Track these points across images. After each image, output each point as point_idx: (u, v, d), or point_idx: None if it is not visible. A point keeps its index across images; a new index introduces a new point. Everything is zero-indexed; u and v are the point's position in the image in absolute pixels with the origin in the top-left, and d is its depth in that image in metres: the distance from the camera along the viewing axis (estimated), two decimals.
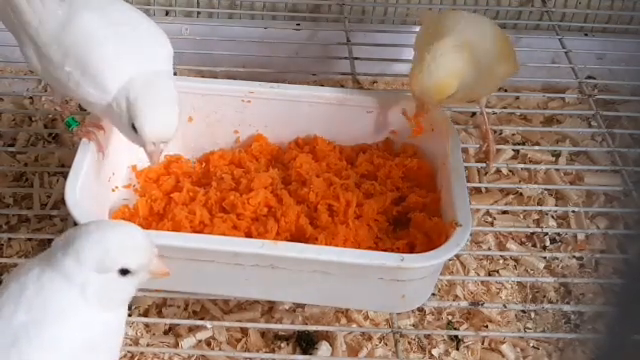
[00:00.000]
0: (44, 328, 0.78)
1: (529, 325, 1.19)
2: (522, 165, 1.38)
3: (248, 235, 1.10)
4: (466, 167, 1.21)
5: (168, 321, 1.12)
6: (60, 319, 0.79)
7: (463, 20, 1.18)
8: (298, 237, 1.10)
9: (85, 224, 0.84)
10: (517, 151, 1.42)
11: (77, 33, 1.04)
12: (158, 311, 1.15)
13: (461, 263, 1.25)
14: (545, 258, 1.26)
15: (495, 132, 1.45)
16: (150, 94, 1.02)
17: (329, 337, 1.13)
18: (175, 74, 1.19)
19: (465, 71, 1.10)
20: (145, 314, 1.15)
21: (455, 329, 1.17)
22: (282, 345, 1.13)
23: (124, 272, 0.81)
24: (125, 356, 1.11)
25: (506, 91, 1.53)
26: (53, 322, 0.79)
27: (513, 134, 1.46)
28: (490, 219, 1.32)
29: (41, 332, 0.78)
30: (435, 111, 1.20)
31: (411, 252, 1.07)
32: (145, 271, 0.83)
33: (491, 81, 1.19)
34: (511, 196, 1.36)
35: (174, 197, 1.15)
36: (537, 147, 1.42)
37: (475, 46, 1.13)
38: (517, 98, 1.53)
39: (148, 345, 1.12)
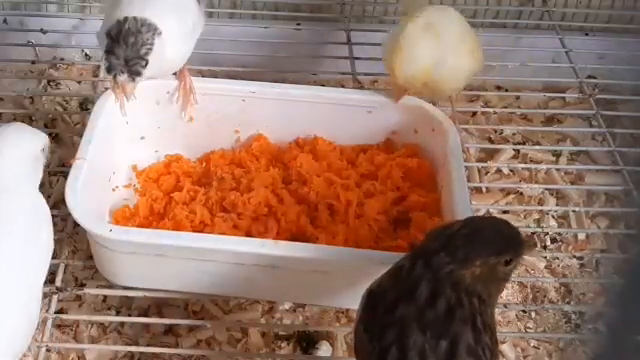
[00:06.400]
0: None
1: (530, 325, 1.19)
2: (523, 165, 1.38)
3: (248, 235, 1.10)
4: (466, 167, 1.20)
5: (168, 321, 1.12)
6: None
7: (431, 8, 1.22)
8: (298, 237, 1.10)
9: None
10: (518, 151, 1.41)
11: None
12: (158, 311, 1.15)
13: None
14: (546, 258, 1.26)
15: (496, 131, 1.45)
16: None
17: (329, 337, 1.13)
18: (175, 74, 1.19)
19: (438, 50, 1.14)
20: (145, 314, 1.15)
21: None
22: (282, 345, 1.13)
23: None
24: (125, 356, 1.10)
25: (507, 91, 1.53)
26: None
27: (514, 134, 1.46)
28: None
29: None
30: (435, 111, 1.20)
31: None
32: None
33: (456, 73, 1.20)
34: (512, 196, 1.35)
35: (174, 197, 1.15)
36: (538, 147, 1.42)
37: (440, 28, 1.17)
38: (517, 98, 1.53)
39: (148, 345, 1.11)
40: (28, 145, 1.03)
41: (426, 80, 1.14)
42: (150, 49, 1.05)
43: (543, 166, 1.38)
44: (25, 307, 0.94)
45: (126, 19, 1.06)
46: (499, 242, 0.87)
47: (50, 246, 1.00)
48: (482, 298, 0.84)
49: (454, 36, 1.18)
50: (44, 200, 1.01)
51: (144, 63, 1.06)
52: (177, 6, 1.13)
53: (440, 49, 1.15)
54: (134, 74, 1.06)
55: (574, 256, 1.26)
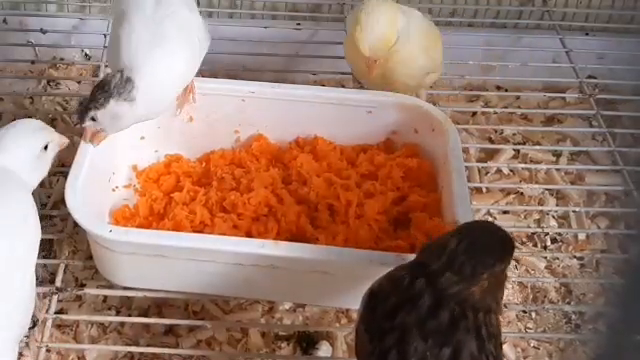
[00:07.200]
0: None
1: (530, 325, 1.19)
2: (523, 165, 1.38)
3: (248, 235, 1.10)
4: (467, 167, 1.20)
5: (168, 321, 1.12)
6: None
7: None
8: (298, 237, 1.10)
9: None
10: (518, 151, 1.42)
11: None
12: (158, 311, 1.15)
13: None
14: (546, 258, 1.26)
15: (496, 132, 1.45)
16: None
17: (330, 337, 1.13)
18: None
19: (396, 20, 1.18)
20: (145, 314, 1.15)
21: None
22: (282, 345, 1.13)
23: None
24: (125, 356, 1.10)
25: (507, 91, 1.53)
26: None
27: (514, 134, 1.46)
28: (491, 219, 1.31)
29: None
30: (435, 111, 1.20)
31: (412, 252, 1.06)
32: None
33: (409, 63, 1.21)
34: (512, 196, 1.36)
35: (174, 197, 1.15)
36: (538, 147, 1.42)
37: (404, 12, 1.21)
38: (518, 98, 1.53)
39: (148, 345, 1.11)
40: (31, 142, 1.02)
41: (389, 47, 1.16)
42: (93, 117, 1.03)
43: (543, 166, 1.38)
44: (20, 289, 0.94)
45: (107, 90, 1.03)
46: (499, 248, 0.86)
47: (37, 233, 0.98)
48: (490, 309, 0.84)
49: (416, 27, 1.21)
50: (30, 196, 1.00)
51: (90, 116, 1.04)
52: (185, 31, 1.12)
53: (399, 20, 1.18)
54: (79, 119, 1.05)
55: (574, 256, 1.26)
